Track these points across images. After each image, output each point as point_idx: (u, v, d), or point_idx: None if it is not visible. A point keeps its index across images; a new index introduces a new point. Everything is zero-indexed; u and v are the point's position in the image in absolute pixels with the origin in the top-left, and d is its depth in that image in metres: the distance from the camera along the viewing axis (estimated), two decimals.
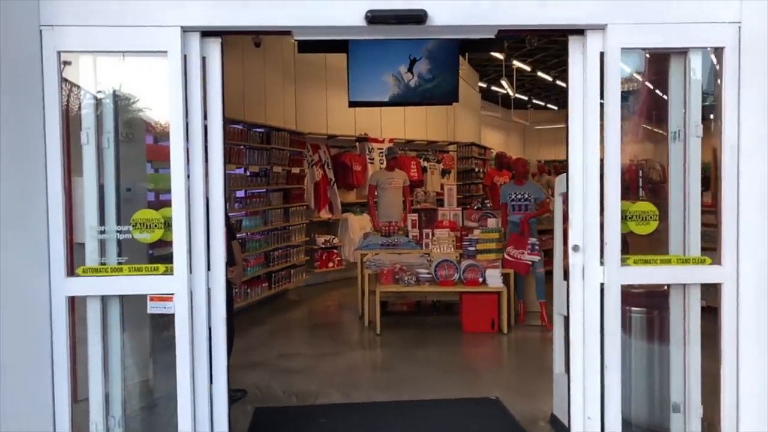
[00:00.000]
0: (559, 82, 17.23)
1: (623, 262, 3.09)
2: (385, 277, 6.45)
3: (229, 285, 4.43)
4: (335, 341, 6.19)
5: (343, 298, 8.41)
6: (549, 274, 8.08)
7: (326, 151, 9.64)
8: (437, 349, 5.77)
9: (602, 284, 3.12)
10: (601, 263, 3.11)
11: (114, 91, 3.18)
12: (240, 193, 7.56)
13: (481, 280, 6.39)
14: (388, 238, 7.22)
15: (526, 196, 6.87)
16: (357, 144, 10.21)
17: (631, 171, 3.61)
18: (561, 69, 16.40)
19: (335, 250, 9.39)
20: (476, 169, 13.12)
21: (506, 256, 6.71)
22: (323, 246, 9.19)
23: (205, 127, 3.10)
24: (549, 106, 22.90)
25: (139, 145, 4.04)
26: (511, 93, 15.52)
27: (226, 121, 7.53)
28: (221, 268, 3.03)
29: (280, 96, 8.79)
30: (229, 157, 7.06)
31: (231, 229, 4.64)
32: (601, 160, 3.08)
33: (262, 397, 4.59)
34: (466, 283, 6.38)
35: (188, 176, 3.00)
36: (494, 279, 6.40)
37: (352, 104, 7.71)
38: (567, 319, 3.22)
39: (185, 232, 2.92)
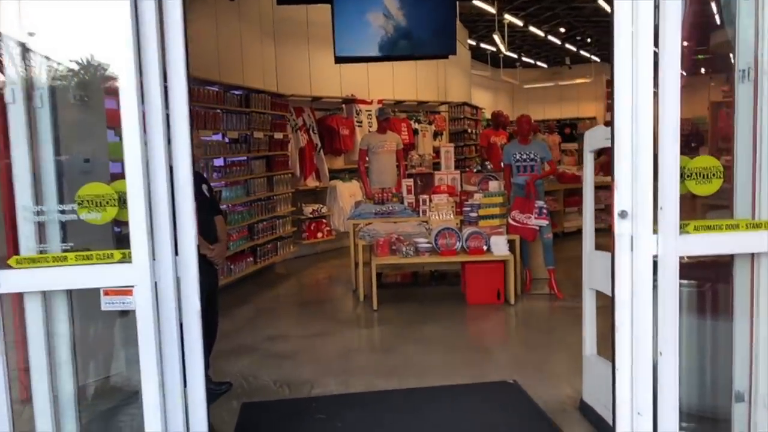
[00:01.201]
0: (551, 38, 16.54)
1: (682, 229, 2.56)
2: (380, 248, 5.90)
3: (212, 265, 3.87)
4: (328, 319, 5.67)
5: (334, 271, 7.87)
6: (556, 237, 7.64)
7: (311, 114, 8.97)
8: (441, 325, 5.28)
9: (655, 257, 2.59)
10: (655, 231, 2.59)
11: (47, 37, 2.54)
12: (218, 162, 6.93)
13: (485, 248, 5.87)
14: (382, 206, 6.66)
15: (531, 155, 6.31)
16: (343, 106, 9.54)
17: (687, 121, 3.04)
18: (553, 23, 15.70)
19: (324, 220, 8.81)
20: (469, 130, 12.52)
21: (511, 221, 6.18)
22: (311, 216, 8.61)
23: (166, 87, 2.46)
24: (539, 63, 22.20)
25: (97, 110, 3.41)
26: (502, 49, 14.82)
27: (200, 83, 6.71)
28: (192, 251, 2.45)
29: (258, 55, 8.08)
30: (204, 122, 6.40)
31: (214, 203, 4.04)
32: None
33: (249, 389, 4.06)
34: (470, 252, 5.85)
35: (146, 143, 2.39)
36: (500, 247, 5.88)
37: (339, 60, 7.05)
38: (612, 298, 2.70)
39: (144, 209, 2.33)
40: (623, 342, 2.66)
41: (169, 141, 2.44)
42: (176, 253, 2.44)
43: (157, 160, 2.39)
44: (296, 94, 8.59)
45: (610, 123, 3.04)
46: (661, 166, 2.55)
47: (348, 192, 8.93)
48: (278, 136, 7.95)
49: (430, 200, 6.52)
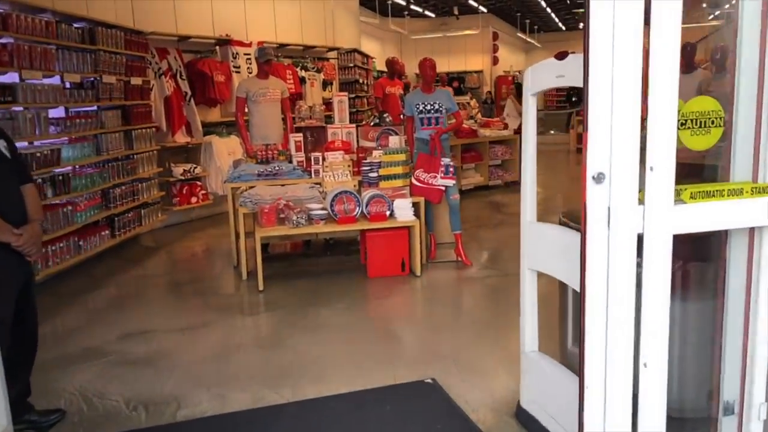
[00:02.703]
0: None
1: (676, 196, 1.88)
2: (266, 217, 4.94)
3: (21, 257, 2.76)
4: (203, 306, 4.67)
5: (212, 242, 6.80)
6: (462, 194, 7.04)
7: (178, 57, 7.63)
8: (339, 307, 4.47)
9: (640, 235, 1.91)
10: (641, 201, 1.89)
11: None
12: (56, 112, 5.55)
13: (388, 213, 5.09)
14: (267, 165, 5.66)
15: (436, 106, 5.55)
16: (217, 48, 8.25)
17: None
18: None
19: (198, 182, 7.62)
20: (360, 80, 11.59)
21: (414, 181, 5.44)
22: (182, 178, 7.39)
23: None
24: (427, 13, 21.51)
25: None
26: None
27: (22, 7, 5.24)
28: None
29: None
30: (30, 60, 5.00)
31: (20, 167, 2.88)
32: None
33: (91, 415, 3.05)
34: (371, 218, 5.05)
35: None
36: (404, 211, 5.13)
37: None
38: (581, 292, 1.99)
39: None
40: (594, 351, 1.98)
41: None
42: None
43: None
44: (158, 32, 7.21)
45: (562, 55, 2.30)
46: (651, 109, 1.84)
47: (226, 149, 7.78)
48: (136, 81, 6.61)
49: (324, 158, 5.62)
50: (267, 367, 3.49)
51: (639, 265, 1.93)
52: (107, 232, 5.99)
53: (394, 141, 5.71)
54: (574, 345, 2.72)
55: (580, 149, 11.45)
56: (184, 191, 7.46)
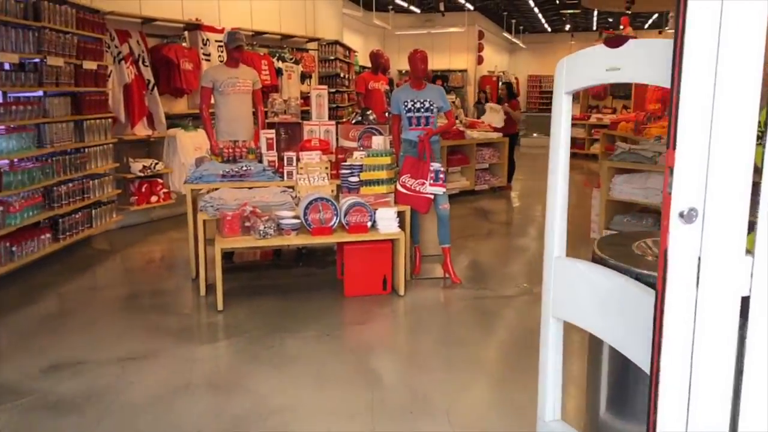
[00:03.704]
0: None
1: None
2: (228, 225, 4.28)
3: None
4: (152, 328, 4.00)
5: (172, 247, 6.11)
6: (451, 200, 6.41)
7: (141, 41, 6.90)
8: (310, 335, 3.84)
9: (745, 298, 1.32)
10: (749, 251, 1.30)
11: None
12: None
13: (369, 224, 4.48)
14: (233, 164, 4.99)
15: (426, 104, 4.94)
16: (186, 33, 7.54)
17: None
18: None
19: (159, 180, 6.91)
20: (341, 74, 10.93)
21: (400, 188, 4.83)
22: (142, 174, 6.67)
23: None
24: (412, 8, 20.90)
25: None
26: None
27: None
28: None
29: None
30: None
31: None
32: None
33: None
34: (350, 229, 4.43)
35: None
36: (388, 222, 4.52)
37: None
38: (651, 372, 1.39)
39: None
40: None
41: None
42: None
43: None
44: (119, 12, 6.48)
45: (618, 41, 1.71)
46: None
47: (192, 144, 7.08)
48: (90, 66, 5.87)
49: (298, 159, 4.98)
50: (218, 419, 2.84)
51: (740, 339, 1.34)
52: (49, 235, 5.26)
53: (378, 142, 5.09)
54: (609, 413, 2.14)
55: (571, 153, 10.99)
56: (144, 189, 6.74)
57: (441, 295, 4.69)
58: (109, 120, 6.25)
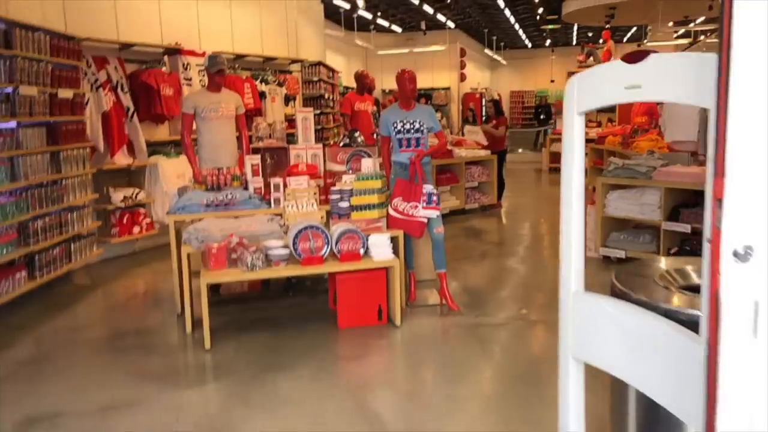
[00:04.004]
0: None
1: None
2: (214, 258, 4.08)
3: None
4: (135, 372, 3.75)
5: (156, 280, 5.87)
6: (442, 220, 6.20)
7: (119, 66, 6.71)
8: (304, 374, 3.62)
9: None
10: None
11: None
12: None
13: (362, 251, 4.29)
14: (217, 193, 4.80)
15: (416, 125, 4.80)
16: (166, 58, 7.36)
17: None
18: None
19: (142, 209, 6.68)
20: (326, 95, 10.80)
21: (392, 212, 4.66)
22: (123, 205, 6.44)
23: None
24: (393, 28, 20.95)
25: None
26: (360, 3, 13.18)
27: None
28: None
29: None
30: None
31: None
32: None
33: None
34: (342, 258, 4.24)
35: None
36: (381, 249, 4.34)
37: None
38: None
39: None
40: None
41: None
42: None
43: None
44: (95, 38, 6.30)
45: (639, 56, 1.56)
46: None
47: (175, 171, 6.88)
48: (65, 94, 5.66)
49: (285, 185, 4.79)
50: None
51: None
52: (24, 273, 5.01)
53: (368, 164, 4.93)
54: None
55: (553, 169, 10.94)
56: (125, 220, 6.51)
57: (439, 324, 4.49)
58: (87, 150, 6.04)
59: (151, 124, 7.11)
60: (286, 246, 4.23)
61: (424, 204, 4.62)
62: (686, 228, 5.35)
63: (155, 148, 7.05)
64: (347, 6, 15.24)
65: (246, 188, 4.93)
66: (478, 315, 4.63)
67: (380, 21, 19.71)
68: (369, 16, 18.40)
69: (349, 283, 4.33)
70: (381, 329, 4.31)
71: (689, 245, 5.43)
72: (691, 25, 20.65)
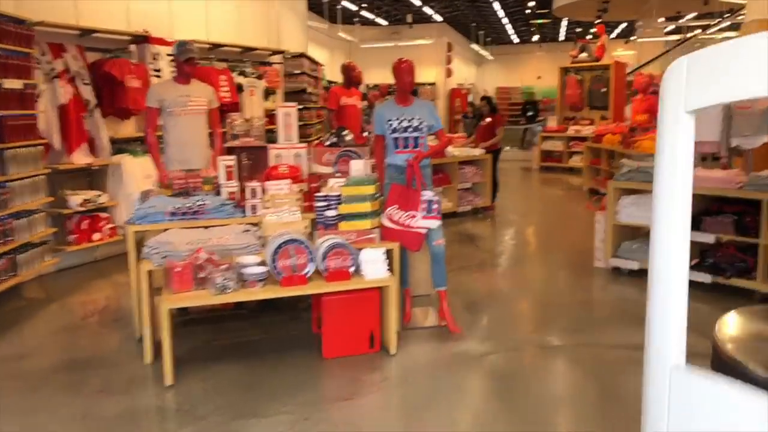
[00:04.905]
0: None
1: None
2: (178, 278, 3.45)
3: None
4: (83, 417, 3.12)
5: (117, 294, 5.22)
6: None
7: (79, 55, 6.02)
8: (283, 420, 3.02)
9: None
10: None
11: None
12: None
13: (352, 269, 3.70)
14: (186, 199, 4.17)
15: (415, 123, 4.21)
16: (133, 47, 6.67)
17: None
18: None
19: (103, 214, 6.01)
20: (309, 89, 10.16)
21: (386, 221, 4.07)
22: (82, 209, 5.76)
23: None
24: (378, 21, 20.33)
25: None
26: None
27: None
28: None
29: None
30: None
31: None
32: None
33: None
34: (328, 277, 3.64)
35: None
36: (375, 266, 3.75)
37: None
38: None
39: None
40: None
41: None
42: None
43: None
44: (51, 23, 5.60)
45: None
46: None
47: (142, 172, 6.20)
48: (14, 84, 4.98)
49: (264, 190, 4.18)
50: None
51: None
52: None
53: (358, 167, 4.34)
54: None
55: (544, 168, 10.42)
56: (84, 226, 5.84)
57: (441, 352, 3.91)
58: (41, 147, 5.36)
59: (115, 120, 6.42)
60: (263, 263, 3.62)
61: (424, 213, 4.04)
62: (710, 238, 4.83)
63: (120, 145, 6.38)
64: None
65: (218, 193, 4.31)
66: (484, 340, 4.07)
67: (365, 13, 19.10)
68: (353, 7, 17.77)
69: (337, 305, 3.73)
70: (373, 359, 3.72)
71: (712, 257, 4.92)
72: (681, 21, 20.32)
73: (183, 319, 4.36)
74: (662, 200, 1.32)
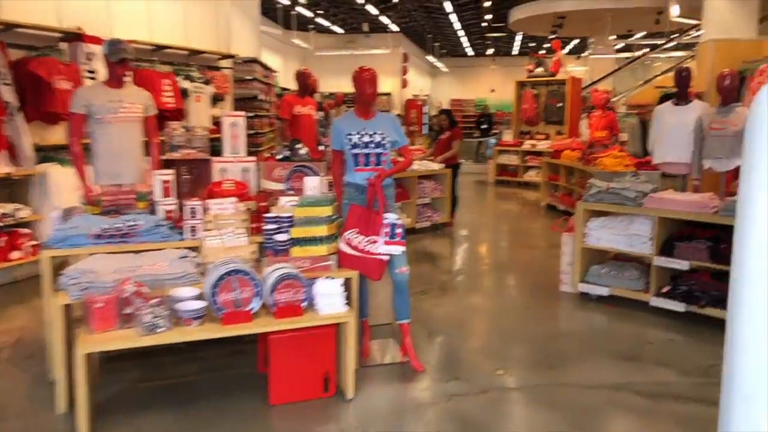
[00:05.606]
0: None
1: None
2: (100, 315, 2.94)
3: None
4: None
5: (34, 323, 4.59)
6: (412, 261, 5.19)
7: (0, 52, 5.38)
8: None
9: None
10: None
11: None
12: None
13: (305, 303, 3.26)
14: (115, 218, 3.64)
15: (377, 138, 3.81)
16: (65, 46, 6.06)
17: None
18: None
19: (25, 229, 5.36)
20: (260, 97, 9.65)
21: (344, 247, 3.65)
22: (0, 224, 5.13)
23: None
24: (334, 28, 19.95)
25: None
26: None
27: None
28: None
29: None
30: None
31: None
32: None
33: None
34: (277, 313, 3.19)
35: None
36: (331, 299, 3.32)
37: None
38: None
39: None
40: None
41: None
42: None
43: None
44: None
45: None
46: None
47: (72, 183, 5.56)
48: None
49: (206, 209, 3.70)
50: None
51: None
52: None
53: (313, 184, 3.91)
54: None
55: (500, 182, 10.17)
56: (3, 243, 5.18)
57: (404, 395, 3.50)
58: None
59: (41, 125, 5.79)
60: (201, 297, 3.14)
61: (386, 238, 3.64)
62: (684, 265, 4.61)
63: (47, 153, 5.74)
64: (286, 1, 14.13)
65: (153, 212, 3.80)
66: (449, 379, 3.68)
67: (320, 20, 18.69)
68: (309, 14, 17.34)
69: (287, 344, 3.28)
70: (327, 405, 3.28)
71: (684, 284, 4.70)
72: (631, 39, 20.72)
73: (107, 354, 3.81)
74: (746, 236, 0.95)
